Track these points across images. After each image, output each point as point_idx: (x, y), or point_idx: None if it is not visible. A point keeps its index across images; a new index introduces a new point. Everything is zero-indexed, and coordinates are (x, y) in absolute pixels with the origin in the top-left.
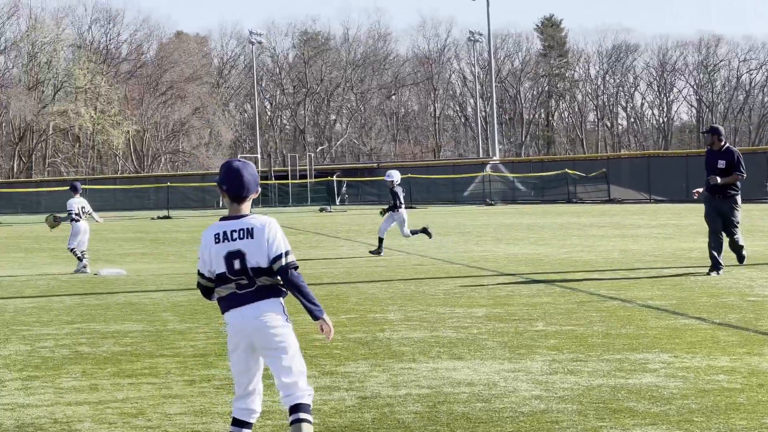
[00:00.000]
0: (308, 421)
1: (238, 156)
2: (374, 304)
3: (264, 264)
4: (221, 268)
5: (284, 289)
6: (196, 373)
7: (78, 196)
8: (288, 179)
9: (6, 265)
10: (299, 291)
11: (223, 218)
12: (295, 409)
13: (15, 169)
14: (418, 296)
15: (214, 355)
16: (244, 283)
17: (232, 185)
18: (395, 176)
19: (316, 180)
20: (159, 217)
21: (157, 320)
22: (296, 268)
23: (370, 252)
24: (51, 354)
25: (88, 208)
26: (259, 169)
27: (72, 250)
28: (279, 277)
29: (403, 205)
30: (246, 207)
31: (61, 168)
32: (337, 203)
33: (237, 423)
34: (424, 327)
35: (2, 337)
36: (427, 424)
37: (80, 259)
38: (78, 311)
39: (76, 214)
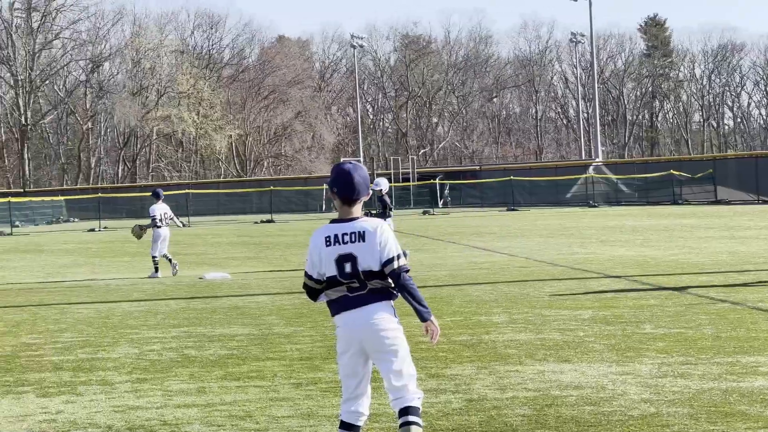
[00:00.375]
0: (418, 424)
1: (341, 159)
2: (479, 306)
3: (375, 267)
4: (332, 271)
5: (395, 292)
6: (302, 376)
7: (160, 202)
8: (391, 182)
9: (113, 269)
10: (410, 293)
11: (334, 221)
12: (405, 412)
13: (119, 174)
14: (522, 298)
15: (320, 358)
16: (355, 286)
17: (342, 188)
18: (383, 185)
19: (419, 183)
20: (262, 221)
21: (262, 324)
22: (407, 271)
23: None
24: (159, 357)
25: (169, 213)
26: None
27: (154, 257)
28: (390, 280)
29: (391, 214)
30: (357, 210)
31: (164, 173)
32: (440, 206)
33: (345, 426)
34: (530, 329)
35: (111, 341)
36: (535, 428)
37: (157, 269)
38: (184, 315)
39: (159, 221)
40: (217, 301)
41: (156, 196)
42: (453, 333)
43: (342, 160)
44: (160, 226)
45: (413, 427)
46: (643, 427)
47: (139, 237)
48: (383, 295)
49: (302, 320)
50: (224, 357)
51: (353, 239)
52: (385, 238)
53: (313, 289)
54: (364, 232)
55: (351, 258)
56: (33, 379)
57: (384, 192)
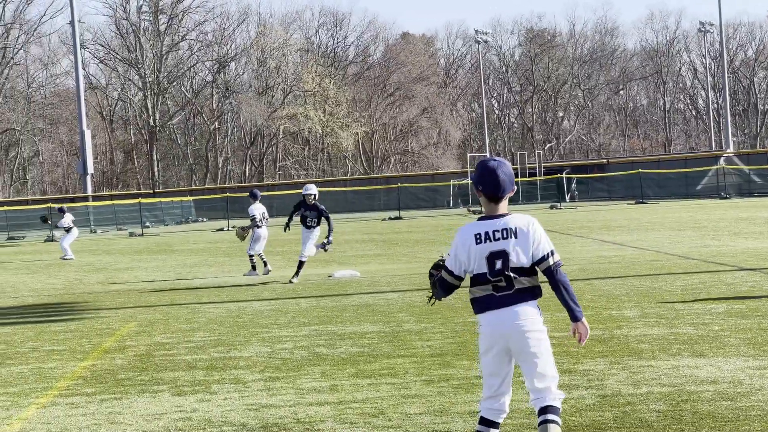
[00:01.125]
0: (556, 423)
1: (467, 155)
2: (609, 300)
3: (527, 264)
4: (482, 268)
5: (539, 292)
6: (434, 372)
7: (257, 202)
8: (518, 177)
9: (242, 268)
10: (566, 290)
11: (482, 218)
12: (544, 410)
13: (247, 174)
14: (654, 292)
15: (451, 354)
16: (501, 285)
17: (487, 185)
18: (314, 190)
19: (546, 177)
20: (390, 218)
21: (392, 321)
22: (561, 266)
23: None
24: (290, 355)
25: (266, 214)
26: None
27: (251, 256)
28: (538, 278)
29: (331, 225)
30: (503, 206)
31: (291, 171)
32: (567, 200)
33: (485, 422)
34: (663, 324)
35: (243, 339)
36: (670, 423)
37: (254, 267)
38: (314, 313)
39: (259, 221)
40: (347, 298)
41: (253, 197)
42: None
43: (486, 156)
44: (260, 226)
45: (552, 426)
46: None
47: (242, 238)
48: (530, 294)
49: (433, 317)
50: (355, 354)
51: (505, 236)
52: (539, 234)
53: (451, 285)
54: (516, 228)
55: (503, 255)
56: (168, 378)
57: (316, 198)
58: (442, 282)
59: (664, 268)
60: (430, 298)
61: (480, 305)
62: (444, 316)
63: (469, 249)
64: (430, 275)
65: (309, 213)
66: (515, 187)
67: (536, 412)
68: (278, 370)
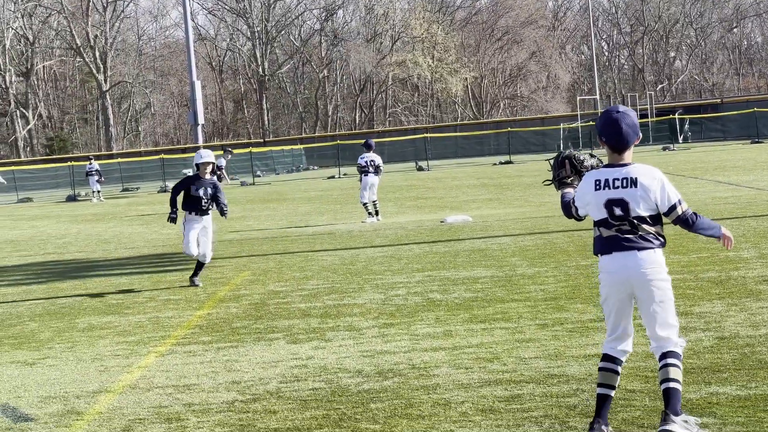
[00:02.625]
0: (677, 366)
1: (577, 98)
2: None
3: (647, 213)
4: (602, 214)
5: (664, 240)
6: (548, 316)
7: (371, 152)
8: None
9: (354, 216)
10: (702, 229)
11: (606, 165)
12: (666, 355)
13: (357, 121)
14: None
15: (565, 298)
16: (626, 228)
17: (610, 137)
18: (210, 157)
19: (657, 119)
20: (501, 163)
21: (505, 265)
22: (693, 213)
23: None
24: (404, 302)
25: (377, 161)
26: (599, 110)
27: (364, 204)
28: (662, 227)
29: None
30: (628, 156)
31: (401, 117)
32: (680, 141)
33: (608, 359)
34: None
35: (356, 286)
36: None
37: (370, 214)
38: (427, 259)
39: (366, 169)
40: (460, 244)
41: (367, 147)
42: (700, 270)
43: (609, 108)
44: (366, 174)
45: (672, 369)
46: None
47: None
48: (655, 241)
49: (545, 260)
50: (469, 300)
51: (625, 185)
52: (662, 185)
53: (570, 213)
54: (636, 178)
55: (622, 203)
56: (282, 326)
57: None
58: (566, 205)
59: None
60: (547, 180)
61: (603, 245)
62: (557, 260)
63: (589, 194)
64: (556, 165)
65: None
66: (640, 135)
67: (657, 358)
68: (392, 317)
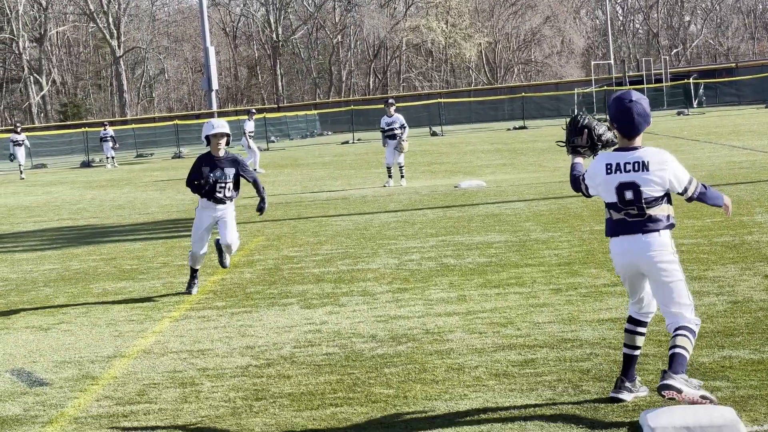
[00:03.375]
0: (686, 336)
1: (591, 63)
2: (740, 206)
3: (659, 194)
4: (612, 198)
5: (673, 221)
6: (561, 281)
7: (392, 110)
8: (643, 84)
9: (368, 181)
10: (710, 199)
11: (617, 149)
12: (678, 328)
13: (370, 86)
14: None
15: (579, 263)
16: (633, 212)
17: (622, 125)
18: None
19: (672, 84)
20: (515, 128)
21: (519, 230)
22: (703, 190)
23: None
24: (418, 267)
25: (395, 124)
26: (613, 75)
27: (389, 167)
28: (672, 207)
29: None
30: (638, 140)
31: (415, 83)
32: (695, 106)
33: (631, 320)
34: None
35: (370, 251)
36: None
37: (391, 176)
38: (441, 224)
39: (385, 131)
40: (474, 209)
41: (388, 106)
42: (714, 234)
43: (621, 94)
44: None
45: (680, 337)
46: None
47: (400, 151)
48: (662, 222)
49: (559, 225)
50: (483, 265)
51: (636, 168)
52: (673, 168)
53: (579, 188)
54: (648, 162)
55: (633, 186)
56: (296, 291)
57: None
58: (575, 180)
59: None
60: (561, 141)
61: (612, 228)
62: (571, 225)
63: (599, 177)
64: (573, 130)
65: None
66: (650, 123)
67: (671, 334)
68: (406, 282)
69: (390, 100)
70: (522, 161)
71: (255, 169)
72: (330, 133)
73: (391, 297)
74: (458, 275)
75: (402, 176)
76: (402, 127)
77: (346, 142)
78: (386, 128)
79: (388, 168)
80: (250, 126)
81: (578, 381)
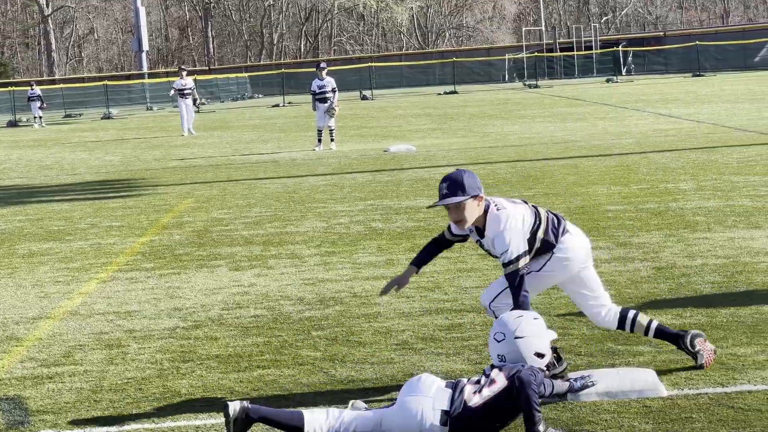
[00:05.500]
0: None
1: (523, 29)
2: (665, 173)
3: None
4: None
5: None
6: None
7: (324, 74)
8: (573, 51)
9: (298, 144)
10: None
11: None
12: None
13: (302, 50)
14: (710, 165)
15: None
16: None
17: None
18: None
19: (602, 51)
20: (445, 93)
21: None
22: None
23: None
24: (346, 230)
25: (326, 87)
26: (544, 41)
27: (319, 130)
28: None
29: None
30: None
31: (346, 47)
32: (623, 73)
33: None
34: (718, 196)
35: (299, 214)
36: (725, 294)
37: (321, 140)
38: (370, 188)
39: (316, 94)
40: (403, 173)
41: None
42: (640, 201)
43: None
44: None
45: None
46: None
47: (331, 114)
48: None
49: (488, 191)
50: (411, 229)
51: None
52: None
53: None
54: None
55: None
56: (225, 253)
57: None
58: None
59: (721, 141)
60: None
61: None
62: (500, 190)
63: None
64: None
65: None
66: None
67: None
68: (334, 245)
69: (321, 64)
70: (452, 126)
71: (189, 130)
72: (261, 96)
73: (319, 260)
74: (386, 239)
75: (332, 140)
76: (333, 90)
77: (277, 105)
78: (317, 91)
79: (319, 131)
80: (179, 84)
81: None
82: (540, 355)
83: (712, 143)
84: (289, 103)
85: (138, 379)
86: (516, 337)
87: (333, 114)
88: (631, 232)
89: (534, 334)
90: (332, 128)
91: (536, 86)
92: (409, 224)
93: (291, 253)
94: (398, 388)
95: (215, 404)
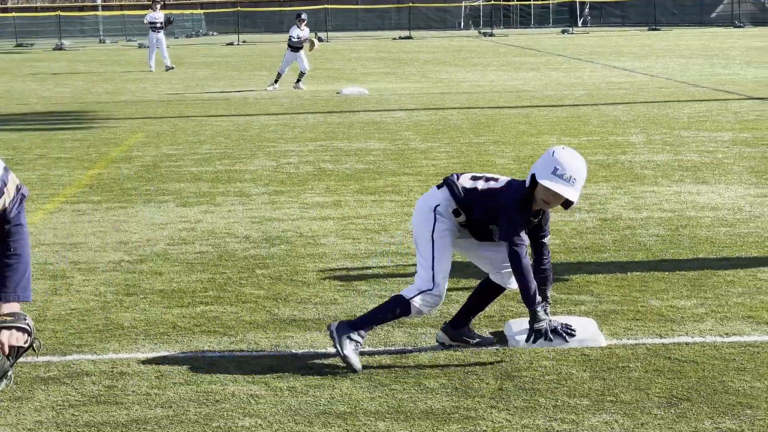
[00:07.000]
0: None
1: None
2: (616, 126)
3: None
4: None
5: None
6: None
7: (303, 25)
8: (530, 0)
9: (250, 82)
10: None
11: None
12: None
13: None
14: (661, 119)
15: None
16: None
17: None
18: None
19: (558, 1)
20: (401, 38)
21: (398, 139)
22: None
23: None
24: (296, 170)
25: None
26: None
27: (281, 74)
28: None
29: None
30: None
31: None
32: (579, 25)
33: None
34: (667, 150)
35: (249, 153)
36: (668, 247)
37: (277, 81)
38: (321, 129)
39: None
40: (355, 115)
41: (299, 20)
42: (588, 153)
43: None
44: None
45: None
46: None
47: (311, 49)
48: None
49: (438, 136)
50: (360, 171)
51: None
52: None
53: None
54: None
55: None
56: (173, 189)
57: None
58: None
59: (673, 96)
60: None
61: None
62: (450, 136)
63: None
64: None
65: None
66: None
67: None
68: (283, 184)
69: (302, 15)
70: (405, 71)
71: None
72: (215, 33)
73: (267, 199)
74: (335, 180)
75: (299, 80)
76: (307, 40)
77: (231, 44)
78: (295, 40)
79: (280, 74)
80: (151, 17)
81: (447, 291)
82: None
83: (664, 97)
84: (244, 41)
85: (81, 311)
86: None
87: (311, 49)
88: None
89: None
90: (306, 70)
91: (491, 34)
92: (359, 166)
93: (239, 191)
94: None
95: (157, 338)
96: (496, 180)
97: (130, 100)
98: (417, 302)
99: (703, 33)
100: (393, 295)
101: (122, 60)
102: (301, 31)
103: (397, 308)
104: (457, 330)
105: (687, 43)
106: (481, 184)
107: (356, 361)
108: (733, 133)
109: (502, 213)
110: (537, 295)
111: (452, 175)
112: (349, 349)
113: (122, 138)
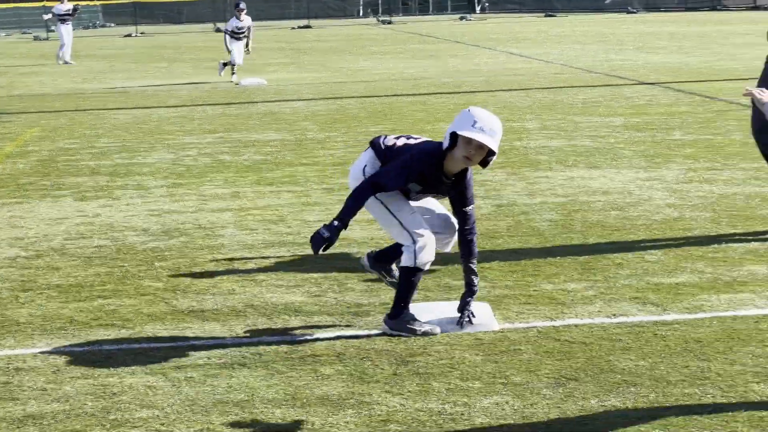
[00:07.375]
0: None
1: None
2: (512, 112)
3: None
4: None
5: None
6: (334, 181)
7: (243, 15)
8: None
9: (149, 75)
10: None
11: None
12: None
13: None
14: (556, 105)
15: (352, 163)
16: None
17: None
18: None
19: None
20: (300, 27)
21: (296, 129)
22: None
23: None
24: (194, 162)
25: (248, 25)
26: None
27: (234, 64)
28: None
29: None
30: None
31: None
32: (477, 12)
33: None
34: (561, 136)
35: (147, 146)
36: (561, 232)
37: (235, 72)
38: (220, 121)
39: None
40: (253, 106)
41: (238, 9)
42: None
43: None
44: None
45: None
46: (666, 230)
47: (248, 53)
48: None
49: (336, 126)
50: (258, 162)
51: None
52: None
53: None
54: None
55: None
56: (70, 183)
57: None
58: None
59: (568, 81)
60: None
61: None
62: (347, 125)
63: None
64: None
65: None
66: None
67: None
68: (181, 177)
69: (241, 5)
70: (304, 61)
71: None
72: (113, 25)
73: (165, 191)
74: (233, 172)
75: (234, 72)
76: (249, 29)
77: (129, 35)
78: (237, 31)
79: (234, 65)
80: (60, 9)
81: (344, 279)
82: None
83: (560, 83)
84: (142, 33)
85: None
86: None
87: (248, 53)
88: (474, 169)
89: None
90: (237, 64)
91: (390, 22)
92: (257, 157)
93: (137, 184)
94: (238, 317)
95: (53, 333)
96: (416, 138)
97: (26, 94)
98: (420, 261)
99: (597, 19)
100: (399, 268)
101: (17, 53)
102: (241, 22)
103: (411, 277)
104: (379, 263)
105: (582, 29)
106: (401, 141)
107: (429, 328)
108: (625, 118)
109: (396, 158)
110: (343, 221)
111: (378, 136)
112: (418, 328)
113: (17, 133)
